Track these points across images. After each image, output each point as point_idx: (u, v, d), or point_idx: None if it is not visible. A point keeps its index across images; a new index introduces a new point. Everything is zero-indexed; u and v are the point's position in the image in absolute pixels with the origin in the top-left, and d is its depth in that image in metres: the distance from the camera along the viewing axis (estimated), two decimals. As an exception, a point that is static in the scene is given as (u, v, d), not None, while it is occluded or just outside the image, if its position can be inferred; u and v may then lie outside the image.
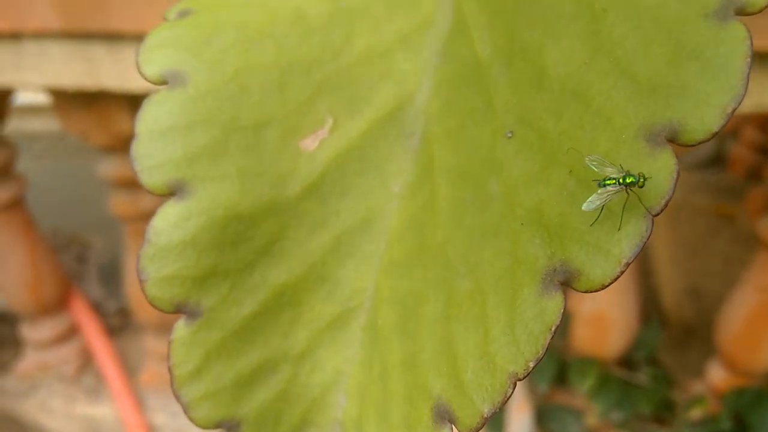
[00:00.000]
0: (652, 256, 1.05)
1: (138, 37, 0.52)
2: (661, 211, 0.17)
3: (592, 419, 0.82)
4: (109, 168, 0.72)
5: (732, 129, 1.16)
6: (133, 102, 0.64)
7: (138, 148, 0.21)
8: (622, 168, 0.18)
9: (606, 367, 0.83)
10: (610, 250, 0.17)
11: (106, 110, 0.66)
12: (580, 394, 0.82)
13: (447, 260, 0.21)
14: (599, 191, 0.18)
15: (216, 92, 0.22)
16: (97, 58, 0.56)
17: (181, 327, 0.21)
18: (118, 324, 0.99)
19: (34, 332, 0.92)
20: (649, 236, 0.17)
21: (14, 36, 0.57)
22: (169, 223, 0.21)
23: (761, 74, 0.51)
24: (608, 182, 0.18)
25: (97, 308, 0.98)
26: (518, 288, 0.19)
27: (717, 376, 0.78)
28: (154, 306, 0.21)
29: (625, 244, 0.17)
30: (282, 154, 0.23)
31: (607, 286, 0.17)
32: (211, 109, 0.22)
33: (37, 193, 0.96)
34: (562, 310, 0.17)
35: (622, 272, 0.17)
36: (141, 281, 0.21)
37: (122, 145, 0.67)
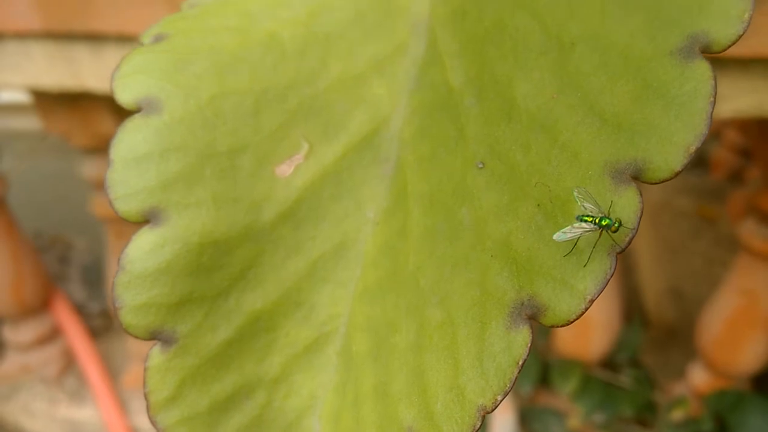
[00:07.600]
0: (634, 257, 1.06)
1: (120, 39, 0.52)
2: (626, 248, 0.17)
3: (574, 421, 0.83)
4: (90, 169, 0.72)
5: (714, 131, 1.17)
6: (115, 103, 0.64)
7: (113, 175, 0.21)
8: (601, 210, 0.18)
9: (588, 369, 0.83)
10: (575, 285, 0.17)
11: (88, 111, 0.66)
12: (563, 395, 0.83)
13: (419, 288, 0.21)
14: (575, 224, 0.18)
15: (190, 119, 0.22)
16: (79, 59, 0.56)
17: (156, 354, 0.21)
18: (101, 325, 0.98)
19: (15, 334, 0.91)
20: (613, 274, 0.17)
21: (-5, 36, 0.56)
22: (143, 250, 0.21)
23: (741, 80, 0.52)
24: (586, 218, 0.18)
25: (80, 309, 0.98)
26: (487, 320, 0.19)
27: (698, 377, 0.79)
28: (129, 333, 0.21)
29: (590, 280, 0.17)
30: (257, 180, 0.23)
31: (573, 321, 0.17)
32: (186, 135, 0.22)
33: (19, 193, 0.95)
34: (529, 345, 0.18)
35: (587, 308, 0.17)
36: (116, 309, 0.21)
37: (104, 146, 0.67)
